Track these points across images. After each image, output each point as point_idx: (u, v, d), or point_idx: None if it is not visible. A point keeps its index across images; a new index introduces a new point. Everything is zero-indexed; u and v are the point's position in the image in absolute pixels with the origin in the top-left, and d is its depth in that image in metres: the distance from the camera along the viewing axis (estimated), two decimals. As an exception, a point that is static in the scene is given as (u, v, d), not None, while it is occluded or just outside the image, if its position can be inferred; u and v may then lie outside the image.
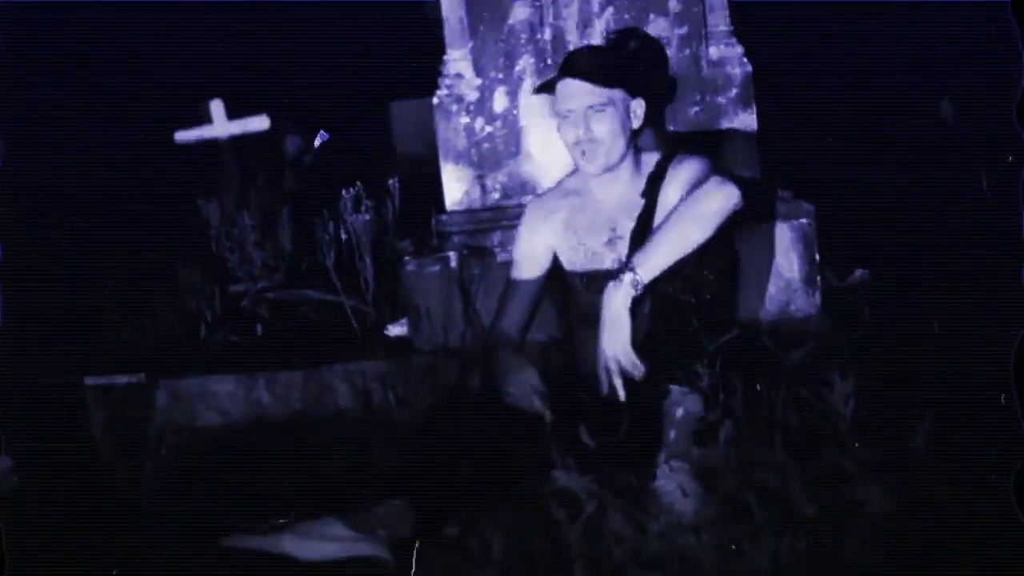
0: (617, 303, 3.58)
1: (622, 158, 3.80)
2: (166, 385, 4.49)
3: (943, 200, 4.48)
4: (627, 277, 3.58)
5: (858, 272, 4.72)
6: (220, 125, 7.13)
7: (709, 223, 3.63)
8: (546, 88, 3.85)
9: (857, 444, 2.96)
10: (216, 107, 7.11)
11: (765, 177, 4.49)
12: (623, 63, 3.98)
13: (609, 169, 3.80)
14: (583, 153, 3.78)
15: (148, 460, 3.93)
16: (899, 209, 4.31)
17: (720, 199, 3.64)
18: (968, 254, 3.91)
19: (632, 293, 3.58)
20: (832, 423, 3.03)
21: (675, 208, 3.66)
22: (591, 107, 3.74)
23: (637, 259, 3.60)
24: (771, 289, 4.37)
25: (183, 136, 7.10)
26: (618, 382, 3.56)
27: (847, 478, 2.96)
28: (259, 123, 7.24)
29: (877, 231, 4.47)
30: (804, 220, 4.37)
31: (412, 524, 3.42)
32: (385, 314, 4.84)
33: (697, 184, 3.70)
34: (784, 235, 4.36)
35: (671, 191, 3.78)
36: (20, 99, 4.29)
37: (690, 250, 3.62)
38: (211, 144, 7.03)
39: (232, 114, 7.13)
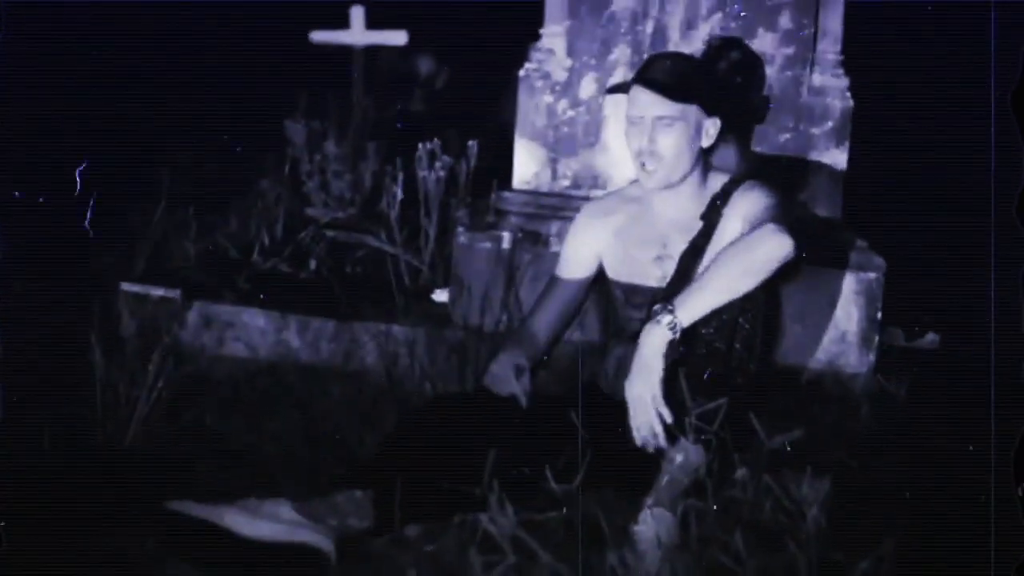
0: (652, 346, 3.38)
1: (684, 176, 3.60)
2: (199, 307, 4.42)
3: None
4: (665, 319, 3.38)
5: (929, 336, 4.48)
6: (357, 32, 7.04)
7: (757, 273, 3.42)
8: (619, 90, 3.67)
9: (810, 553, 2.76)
10: (356, 13, 7.02)
11: (844, 221, 4.26)
12: (704, 78, 3.75)
13: (668, 186, 3.61)
14: (643, 165, 3.59)
15: (144, 393, 3.83)
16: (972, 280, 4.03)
17: (771, 249, 3.42)
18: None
19: (669, 336, 3.38)
20: (794, 523, 2.83)
21: (724, 250, 3.46)
22: (660, 118, 3.55)
23: (678, 301, 3.40)
24: (824, 339, 4.16)
25: (318, 37, 7.02)
26: (647, 433, 3.38)
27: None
28: (397, 37, 7.14)
29: (948, 299, 4.21)
30: (872, 274, 4.14)
31: (372, 519, 3.31)
32: (438, 276, 4.71)
33: (759, 220, 3.50)
34: (848, 286, 4.15)
35: (731, 219, 3.58)
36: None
37: (732, 298, 3.42)
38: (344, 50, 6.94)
39: (371, 24, 7.04)
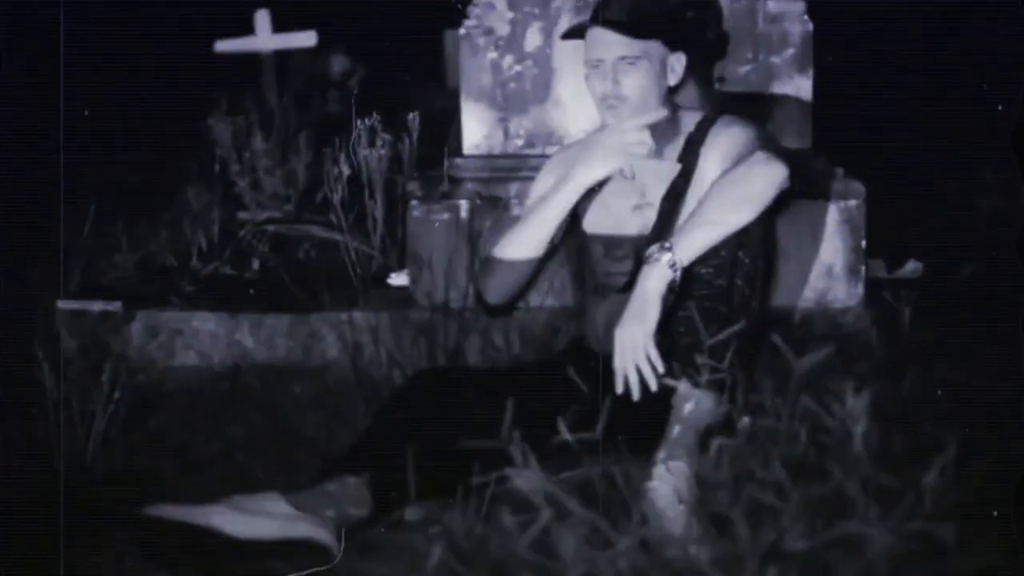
0: (650, 286, 3.13)
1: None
2: (143, 317, 4.14)
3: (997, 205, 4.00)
4: (664, 257, 3.14)
5: (910, 264, 4.28)
6: (264, 37, 6.75)
7: (753, 204, 3.19)
8: (575, 34, 3.44)
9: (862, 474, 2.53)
10: (261, 18, 6.73)
11: (816, 150, 4.05)
12: (663, 12, 3.52)
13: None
14: (610, 108, 3.36)
15: (99, 409, 3.55)
16: (955, 205, 3.83)
17: (766, 177, 3.19)
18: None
19: (669, 276, 3.13)
20: (840, 443, 2.60)
21: (716, 183, 3.23)
22: (622, 58, 3.33)
23: (676, 238, 3.17)
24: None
25: (223, 46, 6.72)
26: (634, 378, 3.12)
27: (848, 510, 2.54)
28: (305, 39, 6.86)
29: (931, 223, 4.01)
30: (853, 201, 3.95)
31: (370, 505, 3.05)
32: (391, 260, 4.46)
33: (741, 156, 3.27)
34: (829, 217, 3.94)
35: (711, 159, 3.36)
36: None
37: (731, 232, 3.19)
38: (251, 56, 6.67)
39: (277, 27, 6.76)
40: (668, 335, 3.20)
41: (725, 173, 3.24)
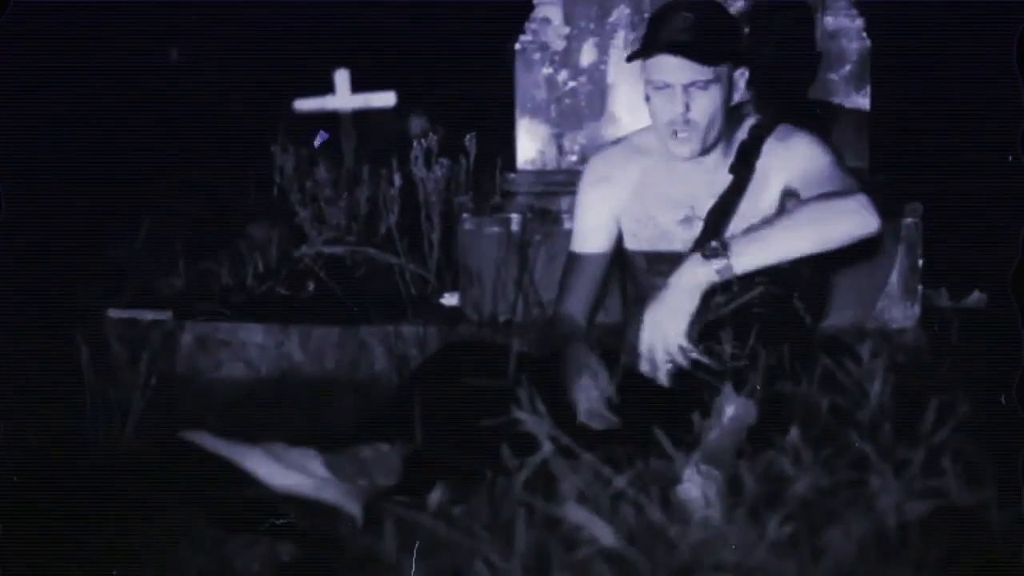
0: (686, 281, 2.98)
1: (717, 140, 3.19)
2: (192, 328, 4.13)
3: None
4: (717, 263, 2.97)
5: (975, 295, 4.16)
6: (343, 97, 6.81)
7: (831, 244, 3.02)
8: (639, 56, 3.18)
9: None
10: (341, 77, 6.80)
11: (873, 169, 3.97)
12: (732, 30, 3.28)
13: (703, 153, 3.19)
14: (675, 133, 3.14)
15: (137, 395, 3.52)
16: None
17: (856, 226, 3.02)
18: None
19: (714, 279, 2.98)
20: (855, 402, 2.50)
21: (804, 208, 3.05)
22: (693, 84, 3.10)
23: (737, 243, 3.00)
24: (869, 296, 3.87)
25: (303, 104, 6.79)
26: (661, 372, 3.01)
27: (861, 467, 2.43)
28: (384, 99, 6.91)
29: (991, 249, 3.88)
30: (909, 220, 3.84)
31: (399, 475, 2.94)
32: (446, 281, 4.42)
33: (811, 173, 3.12)
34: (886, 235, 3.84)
35: (772, 173, 3.19)
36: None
37: (794, 257, 3.02)
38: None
39: (356, 87, 6.82)
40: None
41: (816, 200, 3.05)
